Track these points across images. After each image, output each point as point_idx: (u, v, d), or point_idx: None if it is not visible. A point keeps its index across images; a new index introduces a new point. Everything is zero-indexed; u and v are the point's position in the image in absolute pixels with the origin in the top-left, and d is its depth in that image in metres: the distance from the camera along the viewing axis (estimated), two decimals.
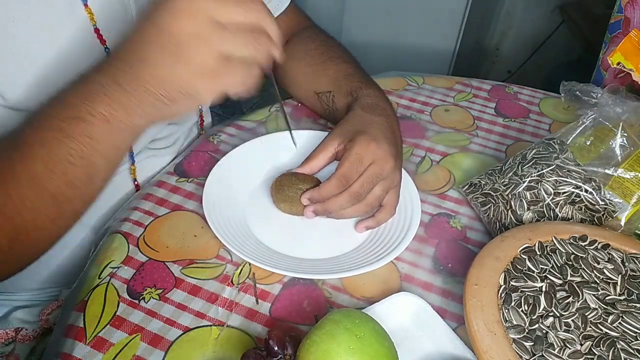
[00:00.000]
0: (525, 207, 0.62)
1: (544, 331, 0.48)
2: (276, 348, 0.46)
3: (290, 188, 0.62)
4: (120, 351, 0.50)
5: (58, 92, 0.47)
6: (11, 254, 0.48)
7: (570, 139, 0.65)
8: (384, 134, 0.62)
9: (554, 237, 0.56)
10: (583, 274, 0.53)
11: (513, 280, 0.52)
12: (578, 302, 0.50)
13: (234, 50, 0.44)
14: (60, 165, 0.46)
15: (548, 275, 0.53)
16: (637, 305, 0.50)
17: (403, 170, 0.70)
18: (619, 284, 0.52)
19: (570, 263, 0.54)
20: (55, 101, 0.47)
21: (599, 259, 0.55)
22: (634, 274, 0.54)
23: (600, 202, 0.61)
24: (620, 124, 0.62)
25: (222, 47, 0.44)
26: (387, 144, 0.61)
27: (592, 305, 0.50)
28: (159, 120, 0.49)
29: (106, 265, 0.58)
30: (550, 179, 0.62)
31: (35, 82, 0.57)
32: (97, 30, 0.60)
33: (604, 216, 0.62)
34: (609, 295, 0.52)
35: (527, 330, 0.48)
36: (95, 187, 0.50)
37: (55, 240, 0.52)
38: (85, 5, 0.58)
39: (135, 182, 0.73)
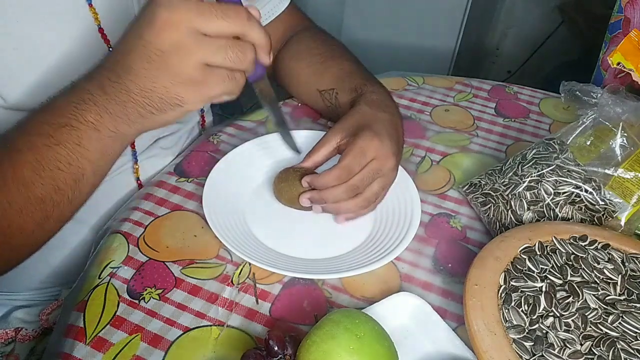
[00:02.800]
0: (525, 207, 0.62)
1: (544, 331, 0.48)
2: (276, 348, 0.46)
3: (292, 181, 0.62)
4: (120, 351, 0.50)
5: (48, 99, 0.48)
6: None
7: (570, 139, 0.65)
8: (388, 131, 0.62)
9: (554, 237, 0.56)
10: (583, 274, 0.53)
11: (513, 280, 0.52)
12: (578, 302, 0.50)
13: (216, 60, 0.45)
14: (49, 171, 0.47)
15: (548, 275, 0.53)
16: (637, 305, 0.50)
17: (403, 170, 0.70)
18: (619, 284, 0.52)
19: (570, 263, 0.54)
20: (45, 107, 0.48)
21: (599, 259, 0.55)
22: (634, 274, 0.54)
23: (600, 202, 0.61)
24: (620, 124, 0.62)
25: (204, 57, 0.44)
26: (389, 141, 0.61)
27: (592, 305, 0.50)
28: (147, 129, 0.50)
29: (106, 265, 0.58)
30: (550, 179, 0.62)
31: (39, 82, 0.57)
32: (101, 30, 0.60)
33: (604, 216, 0.62)
34: (609, 295, 0.52)
35: (527, 330, 0.48)
36: (82, 193, 0.51)
37: (42, 243, 0.52)
38: (90, 5, 0.58)
39: (138, 181, 0.73)
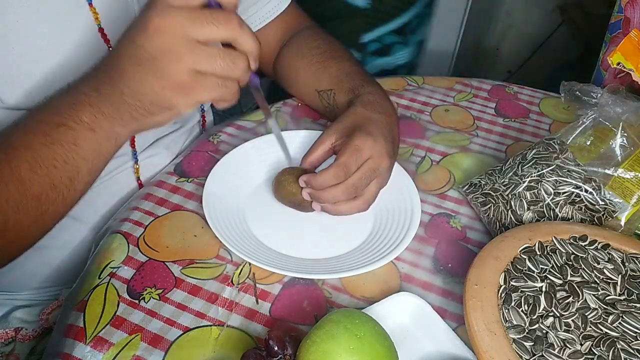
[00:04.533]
0: (525, 207, 0.62)
1: (544, 331, 0.48)
2: (276, 348, 0.46)
3: (290, 181, 0.62)
4: (120, 351, 0.50)
5: (45, 99, 0.50)
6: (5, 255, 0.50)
7: (570, 139, 0.65)
8: (382, 131, 0.62)
9: (554, 237, 0.56)
10: (583, 274, 0.53)
11: (513, 280, 0.52)
12: (578, 302, 0.50)
13: (206, 67, 0.46)
14: (45, 169, 0.48)
15: (548, 275, 0.53)
16: (637, 305, 0.50)
17: (403, 170, 0.70)
18: (619, 284, 0.52)
19: (570, 263, 0.54)
20: (42, 107, 0.49)
21: (599, 259, 0.55)
22: (634, 274, 0.54)
23: (600, 202, 0.61)
24: (620, 124, 0.62)
25: (195, 63, 0.45)
26: (384, 142, 0.61)
27: (592, 305, 0.50)
28: (141, 130, 0.51)
29: (106, 265, 0.58)
30: (550, 179, 0.62)
31: (39, 83, 0.57)
32: (101, 30, 0.60)
33: (604, 216, 0.62)
34: (609, 295, 0.52)
35: (527, 330, 0.48)
36: (77, 190, 0.52)
37: (37, 238, 0.53)
38: (90, 4, 0.58)
39: (139, 181, 0.73)
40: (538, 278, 0.52)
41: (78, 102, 0.48)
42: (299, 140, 0.74)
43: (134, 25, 0.46)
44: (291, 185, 0.62)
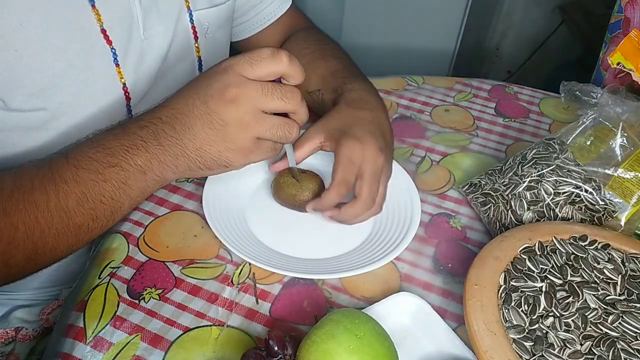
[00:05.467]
0: (525, 207, 0.62)
1: (544, 331, 0.48)
2: (276, 348, 0.46)
3: (288, 183, 0.62)
4: (120, 351, 0.50)
5: (97, 135, 0.52)
6: (22, 269, 0.52)
7: (570, 139, 0.65)
8: (368, 129, 0.62)
9: (554, 237, 0.56)
10: (583, 274, 0.53)
11: (513, 280, 0.52)
12: (578, 302, 0.50)
13: (269, 135, 0.51)
14: (91, 203, 0.51)
15: (548, 275, 0.53)
16: (637, 305, 0.50)
17: (403, 170, 0.70)
18: (619, 284, 0.52)
19: (570, 263, 0.54)
20: (94, 144, 0.52)
21: (599, 259, 0.55)
22: (634, 274, 0.54)
23: (600, 202, 0.61)
24: (620, 124, 0.62)
25: (260, 133, 0.51)
26: (373, 140, 0.60)
27: (592, 305, 0.50)
28: (189, 177, 0.55)
29: (106, 265, 0.58)
30: (550, 179, 0.62)
31: (43, 85, 0.57)
32: (103, 31, 0.60)
33: (604, 216, 0.62)
34: (609, 295, 0.52)
35: (527, 330, 0.48)
36: (115, 221, 0.55)
37: (62, 259, 0.55)
38: (93, 6, 0.58)
39: None
40: (538, 278, 0.52)
41: (134, 146, 0.51)
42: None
43: (207, 86, 0.50)
44: (290, 187, 0.62)
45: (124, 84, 0.63)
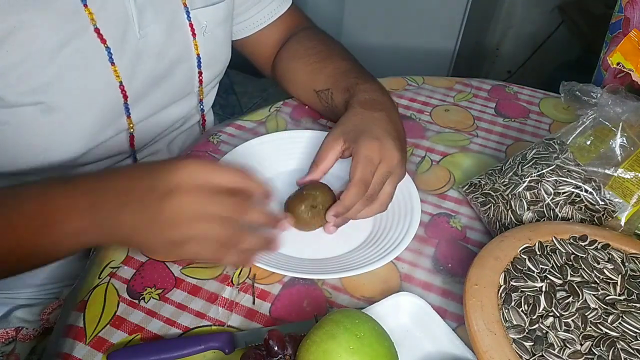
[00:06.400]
0: (525, 207, 0.62)
1: (544, 331, 0.48)
2: (276, 348, 0.46)
3: (313, 215, 0.61)
4: None
5: (45, 180, 0.49)
6: None
7: (570, 139, 0.65)
8: (386, 129, 0.62)
9: (554, 237, 0.56)
10: (583, 274, 0.53)
11: (513, 280, 0.52)
12: (578, 302, 0.50)
13: (199, 239, 0.48)
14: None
15: (548, 275, 0.53)
16: (637, 305, 0.50)
17: None
18: (619, 284, 0.52)
19: (570, 263, 0.54)
20: (39, 188, 0.49)
21: (599, 259, 0.55)
22: (634, 274, 0.54)
23: (600, 202, 0.61)
24: (620, 124, 0.62)
25: (191, 237, 0.47)
26: (390, 140, 0.61)
27: (592, 305, 0.50)
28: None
29: (106, 265, 0.58)
30: (550, 179, 0.62)
31: (36, 85, 0.57)
32: (97, 30, 0.60)
33: (604, 216, 0.62)
34: (609, 295, 0.52)
35: (527, 330, 0.48)
36: (28, 268, 0.52)
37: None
38: (85, 5, 0.59)
39: None
40: (538, 278, 0.52)
41: (72, 210, 0.47)
42: (299, 140, 0.74)
43: (153, 172, 0.47)
44: (314, 219, 0.61)
45: (120, 82, 0.63)
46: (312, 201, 0.61)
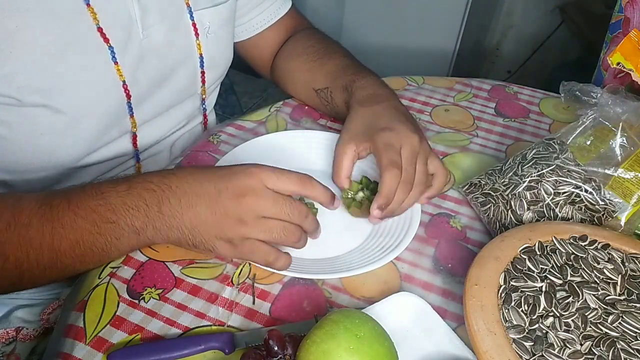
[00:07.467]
0: (525, 207, 0.62)
1: (544, 331, 0.48)
2: (276, 348, 0.46)
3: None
4: None
5: (102, 186, 0.53)
6: (4, 291, 0.54)
7: (570, 139, 0.65)
8: (394, 117, 0.63)
9: (554, 237, 0.56)
10: (583, 274, 0.53)
11: (513, 280, 0.52)
12: (578, 302, 0.50)
13: (263, 237, 0.53)
14: (83, 250, 0.52)
15: (548, 275, 0.53)
16: (637, 305, 0.50)
17: None
18: (619, 284, 0.52)
19: (570, 263, 0.54)
20: (98, 196, 0.52)
21: (599, 259, 0.55)
22: (634, 274, 0.54)
23: (600, 202, 0.61)
24: (620, 124, 0.62)
25: (254, 234, 0.52)
26: (402, 125, 0.62)
27: (592, 305, 0.50)
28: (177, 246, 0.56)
29: (106, 265, 0.58)
30: (550, 179, 0.62)
31: (41, 85, 0.57)
32: (100, 30, 0.60)
33: (604, 216, 0.62)
34: (609, 295, 0.52)
35: (527, 330, 0.48)
36: (101, 265, 0.57)
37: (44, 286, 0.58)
38: (88, 5, 0.58)
39: None
40: (538, 278, 0.52)
41: (136, 208, 0.51)
42: (300, 140, 0.74)
43: (224, 177, 0.52)
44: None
45: (124, 82, 0.63)
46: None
